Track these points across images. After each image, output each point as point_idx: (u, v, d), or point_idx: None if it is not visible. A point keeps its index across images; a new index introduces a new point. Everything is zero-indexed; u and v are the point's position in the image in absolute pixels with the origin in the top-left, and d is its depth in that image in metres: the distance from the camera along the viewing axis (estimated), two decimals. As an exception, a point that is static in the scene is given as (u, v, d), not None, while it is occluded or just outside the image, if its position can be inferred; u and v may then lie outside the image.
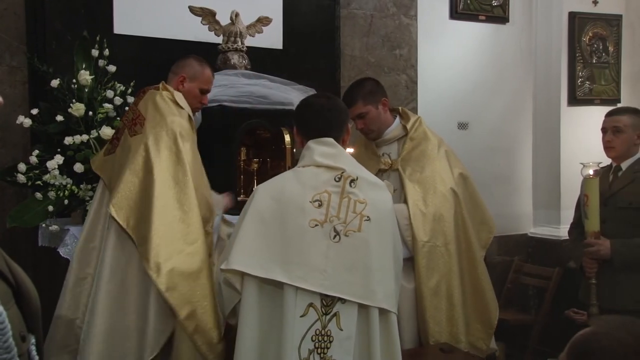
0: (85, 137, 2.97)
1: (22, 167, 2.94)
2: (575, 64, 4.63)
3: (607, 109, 3.19)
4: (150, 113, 2.47)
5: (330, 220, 1.86)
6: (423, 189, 2.64)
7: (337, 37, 4.12)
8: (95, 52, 3.11)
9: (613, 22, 4.77)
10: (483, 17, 4.61)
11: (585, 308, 2.87)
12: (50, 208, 2.89)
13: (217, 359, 2.27)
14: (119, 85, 3.18)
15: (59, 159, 2.91)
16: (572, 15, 4.61)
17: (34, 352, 1.00)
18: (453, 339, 2.57)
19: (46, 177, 2.91)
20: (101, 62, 3.14)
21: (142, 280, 2.31)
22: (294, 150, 3.02)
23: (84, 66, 3.09)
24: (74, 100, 3.00)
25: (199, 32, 3.42)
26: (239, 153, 3.14)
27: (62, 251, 2.88)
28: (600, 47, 4.73)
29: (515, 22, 4.73)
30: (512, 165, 4.79)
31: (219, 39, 3.36)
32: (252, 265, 1.83)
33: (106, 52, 3.15)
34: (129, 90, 3.21)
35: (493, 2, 4.63)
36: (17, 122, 2.99)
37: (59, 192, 2.91)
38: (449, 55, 4.52)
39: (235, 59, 3.28)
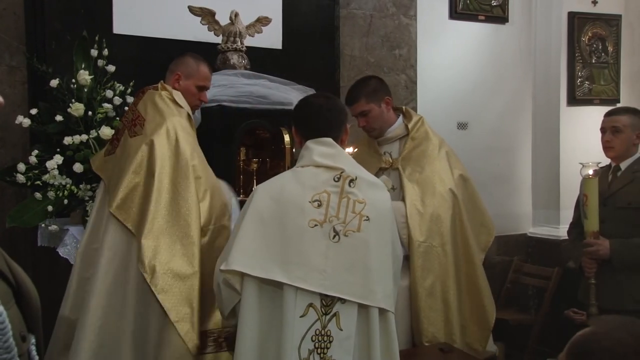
0: (84, 137, 2.97)
1: (21, 167, 2.94)
2: (575, 64, 4.63)
3: (606, 109, 3.19)
4: (150, 114, 2.47)
5: (330, 220, 1.86)
6: (421, 189, 2.64)
7: (337, 37, 4.12)
8: (94, 52, 3.11)
9: (612, 22, 4.77)
10: (482, 17, 4.61)
11: (584, 308, 2.87)
12: (50, 208, 2.89)
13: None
14: (118, 85, 3.18)
15: (58, 159, 2.91)
16: (572, 15, 4.61)
17: (34, 352, 1.00)
18: (448, 339, 2.57)
19: (45, 177, 2.91)
20: (100, 62, 3.14)
21: (141, 282, 2.31)
22: (294, 150, 3.02)
23: (83, 66, 3.09)
24: (73, 100, 3.00)
25: (199, 32, 3.42)
26: (238, 153, 3.13)
27: (62, 251, 2.88)
28: (600, 47, 4.73)
29: (515, 22, 4.74)
30: (512, 165, 4.79)
31: (218, 39, 3.36)
32: (252, 266, 1.83)
33: (105, 52, 3.15)
34: (129, 90, 3.21)
35: (492, 2, 4.63)
36: (17, 122, 2.99)
37: (58, 192, 2.91)
38: (448, 55, 4.52)
39: (234, 59, 3.28)
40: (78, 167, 2.93)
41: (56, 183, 2.91)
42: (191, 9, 3.29)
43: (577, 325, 2.77)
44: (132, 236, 2.33)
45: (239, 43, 3.31)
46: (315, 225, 1.85)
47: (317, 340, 1.82)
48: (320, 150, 1.95)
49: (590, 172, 2.78)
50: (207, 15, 3.31)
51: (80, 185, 2.96)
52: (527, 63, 4.80)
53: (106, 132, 2.97)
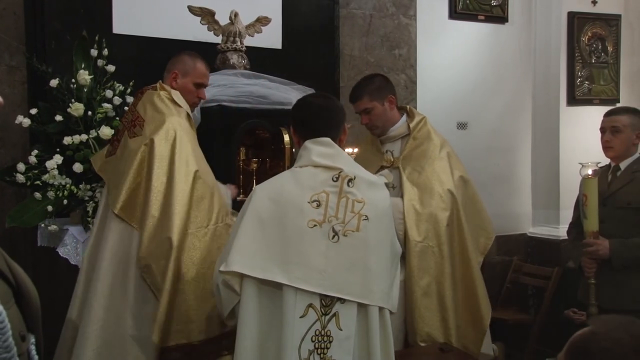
0: (84, 137, 2.97)
1: (21, 167, 2.94)
2: (574, 63, 4.64)
3: (606, 108, 3.19)
4: (149, 114, 2.47)
5: (329, 221, 1.86)
6: (420, 188, 2.65)
7: (337, 37, 4.13)
8: (94, 52, 3.11)
9: (612, 22, 4.77)
10: (482, 17, 4.61)
11: (584, 308, 2.87)
12: (50, 208, 2.89)
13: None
14: (118, 85, 3.18)
15: (58, 158, 2.91)
16: (571, 15, 4.61)
17: (34, 352, 1.01)
18: (444, 340, 2.57)
19: (45, 177, 2.91)
20: (100, 62, 3.14)
21: (140, 281, 2.31)
22: (293, 150, 3.02)
23: (83, 66, 3.09)
24: (73, 100, 3.00)
25: (198, 32, 3.43)
26: (238, 153, 3.13)
27: (61, 251, 2.88)
28: (599, 47, 4.73)
29: (515, 22, 4.74)
30: (511, 165, 4.79)
31: (218, 39, 3.36)
32: (252, 267, 1.83)
33: (105, 51, 3.15)
34: (128, 90, 3.21)
35: (492, 2, 4.63)
36: (16, 122, 2.99)
37: (58, 192, 2.91)
38: (448, 55, 4.52)
39: (234, 58, 3.28)
40: (78, 167, 2.93)
41: (56, 183, 2.91)
42: (191, 9, 3.29)
43: (576, 325, 2.77)
44: (134, 236, 2.33)
45: (238, 43, 3.31)
46: (315, 225, 1.85)
47: (317, 341, 1.82)
48: (319, 150, 1.95)
49: (590, 172, 2.78)
50: (206, 15, 3.31)
51: (80, 185, 2.96)
52: (527, 63, 4.80)
53: (106, 132, 2.97)
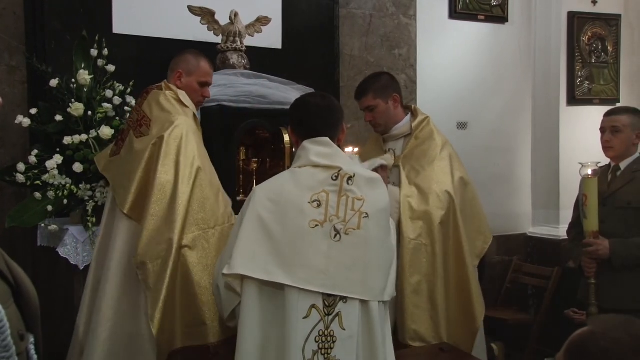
0: (84, 136, 2.97)
1: (21, 166, 2.94)
2: (574, 63, 4.63)
3: (606, 108, 3.19)
4: (155, 114, 2.46)
5: (330, 220, 1.86)
6: (418, 187, 2.65)
7: (336, 37, 4.13)
8: (94, 52, 3.12)
9: (612, 21, 4.77)
10: (482, 17, 4.61)
11: (584, 308, 2.87)
12: (50, 208, 2.89)
13: None
14: (118, 84, 3.19)
15: (58, 158, 2.91)
16: (571, 15, 4.61)
17: (33, 352, 1.01)
18: (434, 338, 2.57)
19: (45, 177, 2.91)
20: (100, 62, 3.14)
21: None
22: (293, 150, 3.02)
23: (83, 66, 3.09)
24: (73, 100, 3.00)
25: (198, 32, 3.43)
26: (238, 153, 3.13)
27: (61, 251, 2.88)
28: (600, 46, 4.73)
29: (515, 21, 4.74)
30: (511, 165, 4.79)
31: (218, 39, 3.36)
32: (255, 269, 1.83)
33: (105, 51, 3.16)
34: (128, 90, 3.22)
35: (492, 1, 4.63)
36: (16, 121, 2.99)
37: (58, 192, 2.91)
38: (448, 55, 4.52)
39: (234, 58, 3.28)
40: (78, 167, 2.93)
41: (56, 183, 2.91)
42: (191, 9, 3.29)
43: (576, 325, 2.76)
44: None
45: (238, 43, 3.31)
46: (316, 225, 1.85)
47: (320, 341, 1.82)
48: (317, 150, 1.94)
49: (590, 172, 2.78)
50: (206, 15, 3.31)
51: (80, 185, 2.96)
52: (527, 63, 4.80)
53: (106, 132, 2.97)
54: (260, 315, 1.84)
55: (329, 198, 1.87)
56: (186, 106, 2.53)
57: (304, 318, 1.81)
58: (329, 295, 1.83)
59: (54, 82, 3.05)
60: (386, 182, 2.57)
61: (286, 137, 3.07)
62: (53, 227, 2.88)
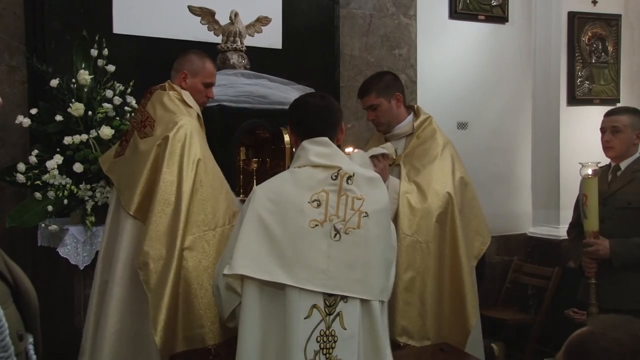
0: (84, 136, 2.97)
1: (21, 166, 2.94)
2: (575, 63, 4.63)
3: (606, 108, 3.19)
4: (159, 114, 2.46)
5: (330, 219, 1.86)
6: (417, 185, 2.66)
7: (337, 37, 4.13)
8: (94, 52, 3.12)
9: (612, 21, 4.77)
10: (482, 17, 4.61)
11: (584, 308, 2.87)
12: (50, 208, 2.89)
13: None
14: (118, 84, 3.18)
15: (58, 158, 2.91)
16: (572, 15, 4.61)
17: (32, 352, 1.01)
18: (421, 336, 2.56)
19: (45, 177, 2.91)
20: (100, 62, 3.14)
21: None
22: (293, 150, 3.02)
23: (83, 66, 3.09)
24: (73, 100, 3.00)
25: (198, 32, 3.43)
26: (238, 153, 3.13)
27: (62, 251, 2.88)
28: (600, 46, 4.73)
29: (515, 21, 4.74)
30: (512, 165, 4.79)
31: (218, 39, 3.36)
32: (256, 269, 1.83)
33: (105, 51, 3.16)
34: (129, 90, 3.22)
35: (492, 1, 4.63)
36: (17, 121, 2.99)
37: (58, 192, 2.91)
38: (448, 55, 4.52)
39: (234, 58, 3.28)
40: (78, 167, 2.93)
41: (56, 183, 2.91)
42: (191, 9, 3.29)
43: (577, 325, 2.75)
44: None
45: (238, 43, 3.31)
46: (316, 225, 1.85)
47: (322, 341, 1.82)
48: (317, 150, 1.94)
49: (590, 172, 2.78)
50: (207, 15, 3.31)
51: (80, 185, 2.96)
52: (527, 63, 4.80)
53: (106, 132, 2.97)
54: (260, 316, 1.84)
55: (328, 198, 1.87)
56: (190, 106, 2.53)
57: (305, 318, 1.81)
58: (330, 295, 1.83)
59: (54, 82, 3.05)
60: (386, 171, 2.58)
61: (286, 137, 3.07)
62: (53, 227, 2.88)
